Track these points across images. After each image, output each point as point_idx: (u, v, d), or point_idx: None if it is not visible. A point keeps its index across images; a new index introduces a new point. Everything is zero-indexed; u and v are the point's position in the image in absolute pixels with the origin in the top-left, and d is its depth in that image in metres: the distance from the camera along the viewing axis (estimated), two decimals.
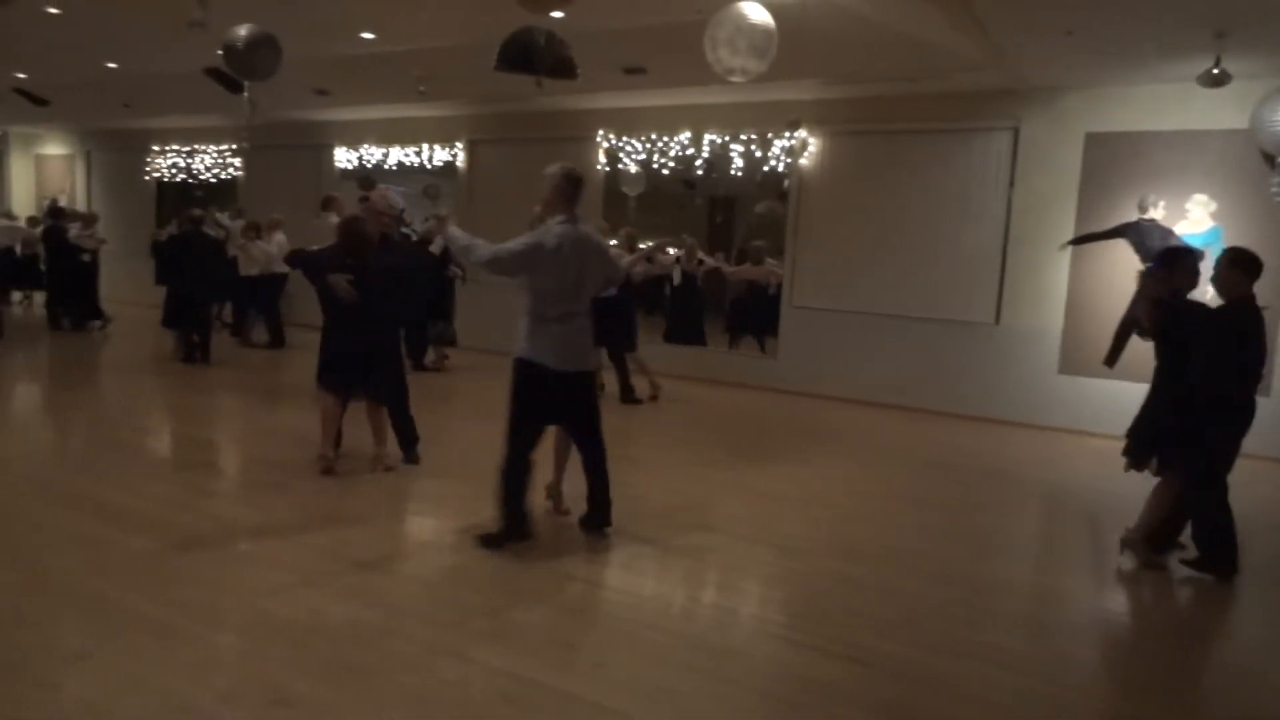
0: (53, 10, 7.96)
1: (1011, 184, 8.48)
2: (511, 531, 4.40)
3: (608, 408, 7.64)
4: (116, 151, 16.16)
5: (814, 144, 9.42)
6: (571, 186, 4.38)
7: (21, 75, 11.08)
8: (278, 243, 11.12)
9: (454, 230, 4.43)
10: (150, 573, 3.90)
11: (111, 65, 10.52)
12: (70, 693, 2.89)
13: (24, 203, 17.03)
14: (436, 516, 5.06)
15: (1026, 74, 7.77)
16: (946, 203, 8.78)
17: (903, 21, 6.57)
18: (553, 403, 4.46)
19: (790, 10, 6.05)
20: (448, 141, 11.98)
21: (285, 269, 10.56)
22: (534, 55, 5.51)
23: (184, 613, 3.50)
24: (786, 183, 9.69)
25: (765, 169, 9.80)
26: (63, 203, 15.20)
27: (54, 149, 17.37)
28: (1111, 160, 7.97)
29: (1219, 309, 4.54)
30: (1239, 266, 4.39)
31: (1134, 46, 6.65)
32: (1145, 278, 4.82)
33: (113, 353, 10.99)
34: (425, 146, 12.23)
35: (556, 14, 5.80)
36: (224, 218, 11.98)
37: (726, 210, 13.63)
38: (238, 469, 5.96)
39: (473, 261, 4.37)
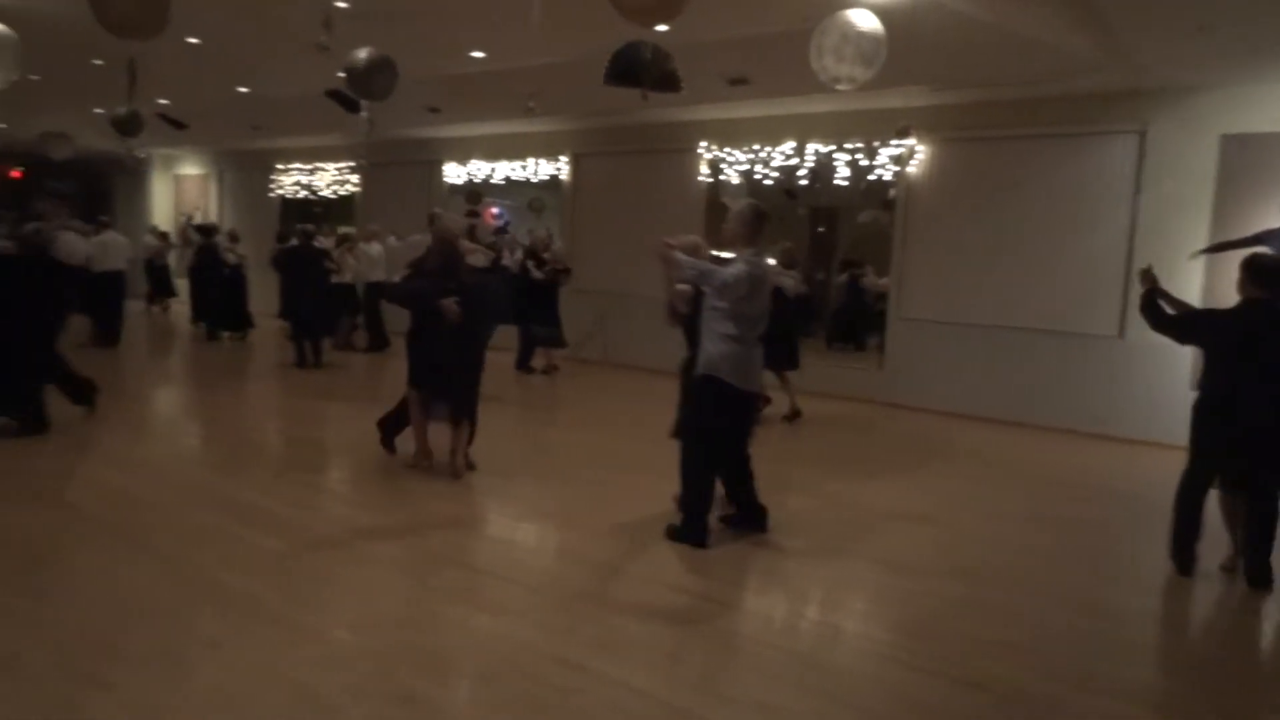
0: (192, 40, 8.54)
1: (1137, 190, 8.05)
2: (692, 536, 4.62)
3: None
4: (245, 170, 17.19)
5: (922, 151, 9.19)
6: (759, 221, 4.66)
7: (163, 101, 11.92)
8: (375, 252, 11.66)
9: (682, 256, 4.64)
10: (278, 569, 4.11)
11: (243, 90, 11.21)
12: (204, 679, 3.06)
13: (164, 219, 18.32)
14: (541, 523, 5.15)
15: (1153, 74, 7.38)
16: (1065, 210, 8.42)
17: (1018, 23, 6.34)
18: (730, 419, 4.69)
19: (899, 15, 5.93)
20: (553, 155, 12.23)
21: (381, 276, 11.07)
22: (640, 69, 5.59)
23: (309, 608, 3.67)
24: (893, 191, 9.48)
25: (870, 178, 9.61)
26: (198, 219, 16.25)
27: (191, 169, 18.61)
28: (1251, 163, 7.47)
29: (1224, 310, 4.68)
30: (1244, 269, 4.52)
31: (1274, 41, 6.23)
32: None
33: (237, 358, 11.66)
34: (531, 161, 12.51)
35: (661, 27, 5.86)
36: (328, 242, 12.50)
37: (829, 220, 13.45)
38: (352, 471, 6.20)
39: (713, 284, 4.54)
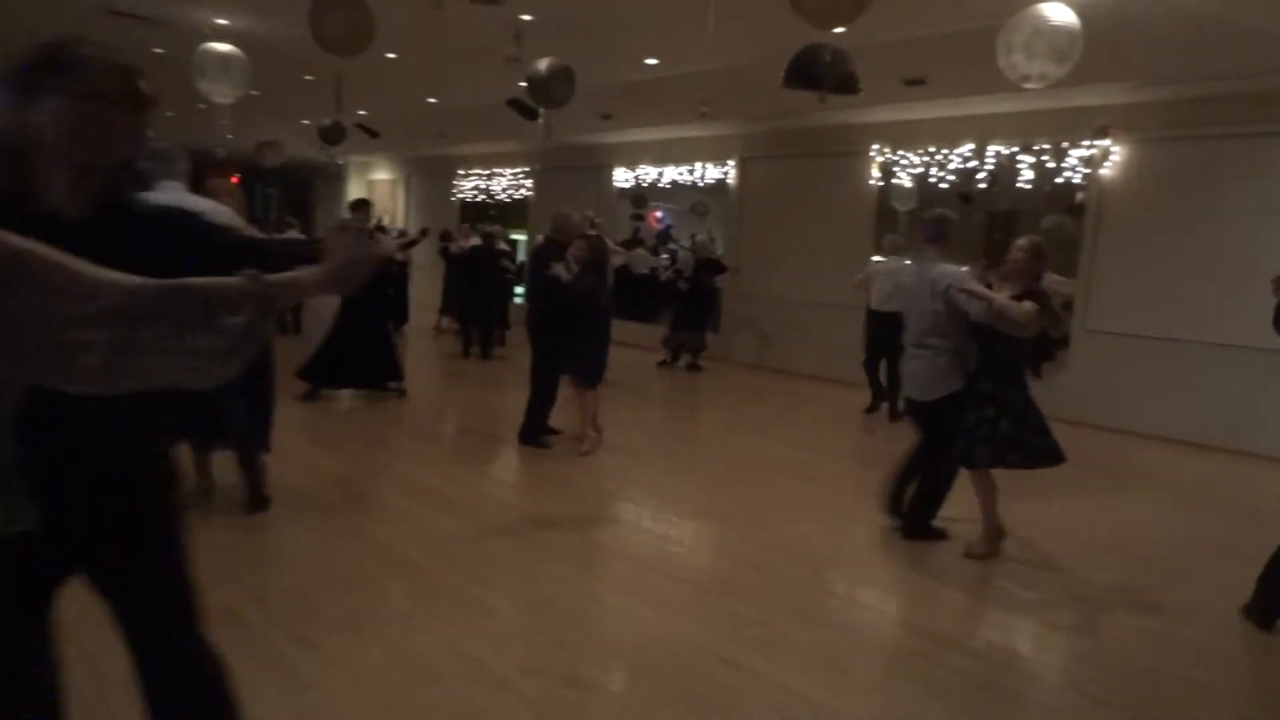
0: (390, 55, 9.21)
1: None
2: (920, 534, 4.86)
3: (881, 431, 7.44)
4: (430, 175, 18.31)
5: (1118, 152, 8.55)
6: (932, 226, 4.83)
7: (361, 112, 12.92)
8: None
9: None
10: (460, 550, 4.38)
11: (431, 100, 11.97)
12: (393, 647, 3.30)
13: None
14: (702, 522, 5.18)
15: None
16: None
17: (1235, 10, 5.80)
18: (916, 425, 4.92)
19: (1099, 8, 5.56)
20: (720, 159, 12.25)
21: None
22: (820, 72, 5.52)
23: (488, 589, 3.89)
24: (1080, 195, 8.88)
25: (1057, 181, 9.05)
26: (385, 223, 17.46)
27: (382, 174, 20.04)
28: None
29: None
30: None
31: None
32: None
33: (404, 348, 12.45)
34: (698, 165, 12.59)
35: (839, 29, 5.78)
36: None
37: (1006, 225, 12.74)
38: (522, 460, 6.46)
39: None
